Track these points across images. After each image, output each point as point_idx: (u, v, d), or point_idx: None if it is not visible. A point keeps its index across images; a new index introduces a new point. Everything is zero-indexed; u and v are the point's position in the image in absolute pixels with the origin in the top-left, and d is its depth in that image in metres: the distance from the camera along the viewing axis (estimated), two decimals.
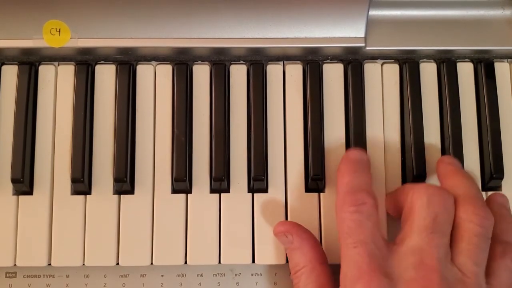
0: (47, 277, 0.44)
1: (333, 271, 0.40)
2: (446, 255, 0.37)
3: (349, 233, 0.37)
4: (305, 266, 0.40)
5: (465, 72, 0.46)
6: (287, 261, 0.43)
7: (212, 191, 0.44)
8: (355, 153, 0.42)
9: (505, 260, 0.38)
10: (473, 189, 0.39)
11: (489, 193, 0.44)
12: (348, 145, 0.44)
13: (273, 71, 0.45)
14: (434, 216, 0.37)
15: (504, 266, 0.38)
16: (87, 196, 0.43)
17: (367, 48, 0.45)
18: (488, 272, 0.38)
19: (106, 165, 0.44)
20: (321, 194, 0.44)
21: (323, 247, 0.42)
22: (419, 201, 0.38)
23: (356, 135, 0.44)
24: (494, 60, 0.46)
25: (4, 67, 0.45)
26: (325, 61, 0.46)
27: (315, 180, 0.43)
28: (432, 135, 0.45)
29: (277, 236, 0.42)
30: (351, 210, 0.38)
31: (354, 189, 0.39)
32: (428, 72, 0.46)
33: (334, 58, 0.46)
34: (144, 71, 0.45)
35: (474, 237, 0.37)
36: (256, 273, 0.45)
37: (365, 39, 0.45)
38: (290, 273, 0.41)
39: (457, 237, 0.37)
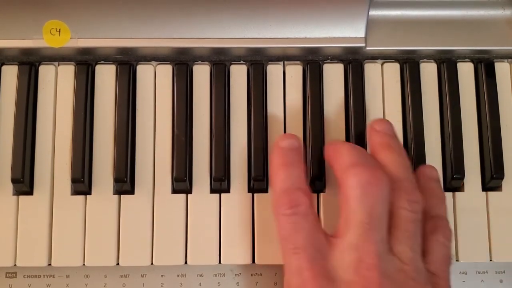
0: (47, 277, 0.44)
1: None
2: (385, 247, 0.36)
3: (287, 239, 0.37)
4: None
5: (465, 72, 0.46)
6: None
7: (212, 191, 0.44)
8: (285, 140, 0.40)
9: (437, 236, 0.38)
10: (403, 168, 0.38)
11: (489, 193, 0.44)
12: None
13: (273, 71, 0.45)
14: (370, 211, 0.36)
15: (436, 242, 0.38)
16: (87, 196, 0.43)
17: (367, 48, 0.45)
18: (424, 251, 0.38)
19: (106, 165, 0.44)
20: (321, 194, 0.44)
21: None
22: (352, 191, 0.36)
23: (356, 135, 0.44)
24: (494, 60, 0.46)
25: (4, 67, 0.45)
26: (325, 61, 0.46)
27: (315, 180, 0.43)
28: (432, 135, 0.45)
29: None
30: (287, 213, 0.37)
31: (289, 188, 0.38)
32: (428, 72, 0.46)
33: (334, 58, 0.46)
34: (144, 71, 0.45)
35: (409, 224, 0.37)
36: (256, 273, 0.45)
37: (365, 39, 0.45)
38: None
39: (392, 224, 0.37)
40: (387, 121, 0.42)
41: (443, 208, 0.41)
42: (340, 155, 0.38)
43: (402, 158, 0.39)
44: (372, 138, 0.41)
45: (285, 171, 0.39)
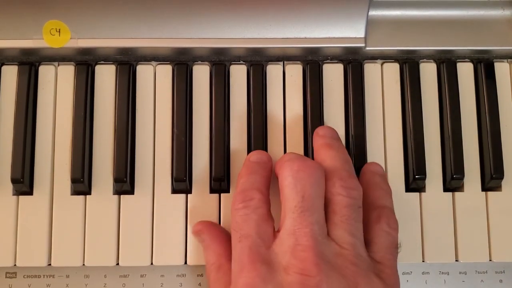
0: (47, 277, 0.44)
1: None
2: (322, 231, 0.37)
3: (236, 228, 0.38)
4: (214, 263, 0.40)
5: (465, 72, 0.46)
6: None
7: (212, 191, 0.44)
8: (254, 155, 0.42)
9: (380, 225, 0.39)
10: (339, 161, 0.39)
11: (489, 193, 0.44)
12: (348, 145, 0.44)
13: (273, 71, 0.45)
14: (302, 194, 0.37)
15: (380, 231, 0.39)
16: (87, 196, 0.43)
17: (367, 48, 0.45)
18: (367, 239, 0.38)
19: (106, 165, 0.44)
20: None
21: None
22: (285, 180, 0.38)
23: (356, 135, 0.44)
24: (494, 60, 0.46)
25: (4, 67, 0.45)
26: (325, 61, 0.46)
27: None
28: (432, 135, 0.45)
29: (194, 235, 0.42)
30: (240, 206, 0.38)
31: (245, 188, 0.39)
32: (428, 72, 0.46)
33: (334, 58, 0.46)
34: (144, 71, 0.45)
35: (345, 209, 0.37)
36: None
37: (365, 39, 0.45)
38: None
39: (330, 211, 0.38)
40: (330, 127, 0.43)
41: (388, 199, 0.41)
42: (281, 159, 0.40)
43: (340, 154, 0.40)
44: (314, 142, 0.42)
45: (246, 176, 0.40)
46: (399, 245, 0.40)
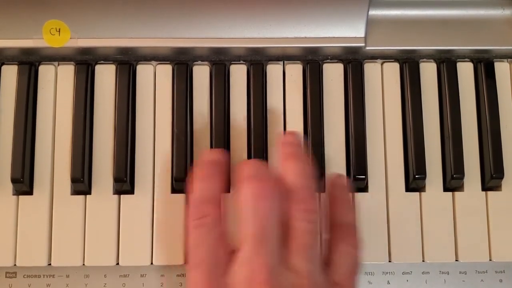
0: (47, 277, 0.44)
1: None
2: (278, 259, 0.35)
3: (190, 252, 0.36)
4: None
5: (465, 72, 0.46)
6: None
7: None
8: (210, 155, 0.40)
9: (342, 245, 0.37)
10: (302, 178, 0.38)
11: (489, 193, 0.44)
12: (348, 145, 0.44)
13: (273, 71, 0.45)
14: (260, 223, 0.35)
15: (341, 252, 0.37)
16: (87, 196, 0.43)
17: (367, 48, 0.45)
18: (328, 257, 0.37)
19: (106, 165, 0.44)
20: (321, 193, 0.43)
21: None
22: (244, 204, 0.36)
23: (356, 134, 0.44)
24: (494, 60, 0.46)
25: (4, 67, 0.45)
26: (325, 61, 0.46)
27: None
28: (432, 135, 0.45)
29: None
30: (194, 224, 0.37)
31: (200, 199, 0.37)
32: (428, 72, 0.46)
33: (334, 58, 0.46)
34: (144, 71, 0.45)
35: (305, 235, 0.36)
36: None
37: (365, 39, 0.45)
38: None
39: (288, 237, 0.36)
40: (294, 132, 0.42)
41: (351, 215, 0.40)
42: (241, 169, 0.38)
43: (303, 167, 0.38)
44: (279, 149, 0.41)
45: (201, 181, 0.38)
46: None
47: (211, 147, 0.44)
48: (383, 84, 0.46)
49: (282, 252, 0.35)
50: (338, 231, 0.38)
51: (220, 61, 0.46)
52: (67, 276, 0.44)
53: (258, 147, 0.43)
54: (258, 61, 0.46)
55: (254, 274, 0.34)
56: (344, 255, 0.37)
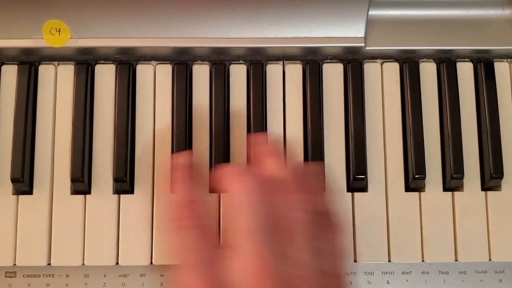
0: (47, 276, 0.44)
1: None
2: (275, 251, 0.34)
3: (178, 256, 0.36)
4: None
5: (465, 72, 0.46)
6: None
7: (212, 190, 0.44)
8: (182, 158, 0.41)
9: (325, 233, 0.37)
10: (286, 171, 0.38)
11: (488, 193, 0.44)
12: (348, 145, 0.44)
13: (273, 71, 0.45)
14: (253, 216, 0.35)
15: (324, 240, 0.37)
16: (87, 195, 0.43)
17: (367, 48, 0.45)
18: (316, 250, 0.36)
19: (105, 165, 0.44)
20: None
21: None
22: (237, 199, 0.36)
23: (355, 134, 0.44)
24: (494, 60, 0.46)
25: (4, 67, 0.45)
26: (325, 61, 0.46)
27: None
28: (432, 135, 0.45)
29: None
30: (178, 226, 0.37)
31: (180, 202, 0.38)
32: (428, 72, 0.46)
33: (334, 58, 0.46)
34: (144, 71, 0.45)
35: (298, 224, 0.35)
36: None
37: (365, 39, 0.45)
38: None
39: (282, 229, 0.35)
40: (265, 133, 0.43)
41: (327, 202, 0.39)
42: (225, 170, 0.38)
43: (282, 161, 0.39)
44: (253, 150, 0.41)
45: (180, 184, 0.39)
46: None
47: (211, 146, 0.44)
48: (383, 84, 0.46)
49: (278, 244, 0.35)
50: (317, 220, 0.37)
51: (220, 61, 0.46)
52: (67, 276, 0.44)
53: None
54: (258, 61, 0.46)
55: (254, 265, 0.34)
56: (327, 243, 0.37)
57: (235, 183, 0.36)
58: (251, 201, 0.35)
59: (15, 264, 0.43)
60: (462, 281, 0.45)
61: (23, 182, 0.42)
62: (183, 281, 0.35)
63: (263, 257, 0.34)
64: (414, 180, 0.43)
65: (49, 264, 0.43)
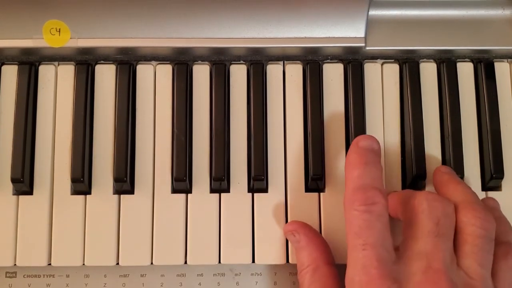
0: (47, 277, 0.44)
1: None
2: (452, 259, 0.36)
3: (358, 234, 0.36)
4: (310, 265, 0.40)
5: (465, 72, 0.46)
6: (287, 261, 0.43)
7: (212, 191, 0.44)
8: (366, 141, 0.40)
9: (508, 261, 0.38)
10: (470, 195, 0.39)
11: (489, 193, 0.44)
12: (348, 145, 0.44)
13: (273, 71, 0.45)
14: (437, 220, 0.36)
15: (507, 267, 0.38)
16: (87, 196, 0.43)
17: (367, 48, 0.45)
18: (492, 274, 0.38)
19: (106, 165, 0.44)
20: (321, 194, 0.44)
21: None
22: (420, 207, 0.37)
23: (356, 135, 0.44)
24: (494, 60, 0.46)
25: (4, 67, 0.45)
26: (325, 61, 0.46)
27: (315, 180, 0.43)
28: (432, 135, 0.45)
29: (286, 235, 0.42)
30: (362, 209, 0.36)
31: (365, 186, 0.37)
32: (428, 72, 0.46)
33: (334, 58, 0.46)
34: (144, 71, 0.45)
35: (478, 239, 0.37)
36: (256, 273, 0.45)
37: (365, 39, 0.45)
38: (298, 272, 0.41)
39: (460, 241, 0.37)
40: (450, 168, 0.43)
41: (510, 234, 0.41)
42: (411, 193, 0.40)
43: (468, 187, 0.40)
44: (437, 176, 0.42)
45: (361, 168, 0.38)
46: None
47: (211, 147, 0.44)
48: (383, 84, 0.46)
49: (454, 254, 0.37)
50: (503, 248, 0.39)
51: (220, 61, 0.46)
52: (67, 276, 0.44)
53: (258, 147, 0.43)
54: (258, 61, 0.46)
55: (430, 264, 0.35)
56: (510, 270, 0.38)
57: (419, 194, 0.38)
58: (434, 208, 0.37)
59: (15, 264, 0.43)
60: None
61: (23, 182, 0.42)
62: (357, 259, 0.36)
63: (438, 256, 0.35)
64: (414, 180, 0.43)
65: (50, 264, 0.43)
